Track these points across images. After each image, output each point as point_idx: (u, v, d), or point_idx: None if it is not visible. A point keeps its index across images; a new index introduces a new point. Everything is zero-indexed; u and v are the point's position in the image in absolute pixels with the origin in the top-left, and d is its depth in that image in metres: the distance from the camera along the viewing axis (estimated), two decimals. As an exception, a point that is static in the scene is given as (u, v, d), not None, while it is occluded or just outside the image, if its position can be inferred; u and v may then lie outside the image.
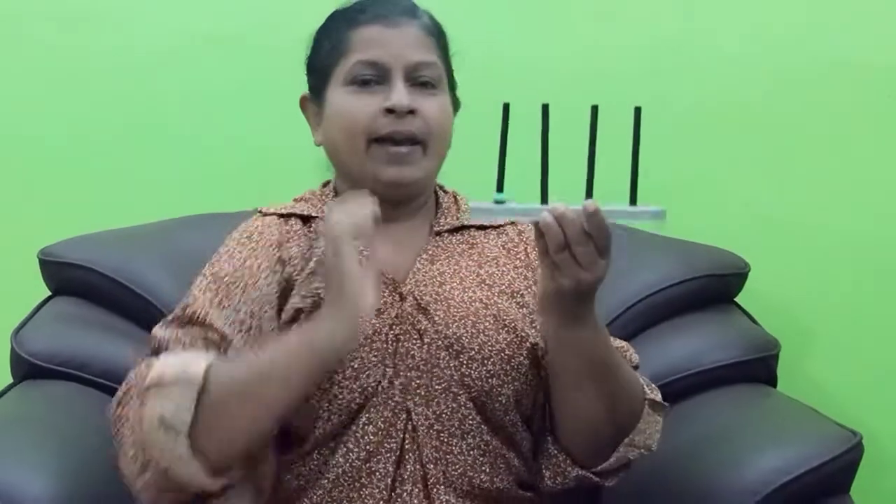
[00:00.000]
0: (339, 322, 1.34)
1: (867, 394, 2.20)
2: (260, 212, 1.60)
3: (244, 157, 2.22)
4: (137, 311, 1.86)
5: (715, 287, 2.03)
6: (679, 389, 1.79)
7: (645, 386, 1.53)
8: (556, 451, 1.53)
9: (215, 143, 2.22)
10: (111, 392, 1.69)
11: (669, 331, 1.95)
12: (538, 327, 1.55)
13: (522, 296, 1.57)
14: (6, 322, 1.83)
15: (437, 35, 1.58)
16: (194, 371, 1.38)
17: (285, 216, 1.57)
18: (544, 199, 1.34)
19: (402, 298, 1.51)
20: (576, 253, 1.33)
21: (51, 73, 2.20)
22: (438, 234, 1.60)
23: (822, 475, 1.57)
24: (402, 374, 1.47)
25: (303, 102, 1.62)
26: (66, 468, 1.53)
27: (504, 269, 1.59)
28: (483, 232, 1.63)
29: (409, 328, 1.50)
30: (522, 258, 1.61)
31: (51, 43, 2.19)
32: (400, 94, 1.50)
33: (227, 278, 1.50)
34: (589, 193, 1.33)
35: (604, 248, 1.33)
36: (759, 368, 1.93)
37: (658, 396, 1.54)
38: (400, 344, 1.48)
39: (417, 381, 1.48)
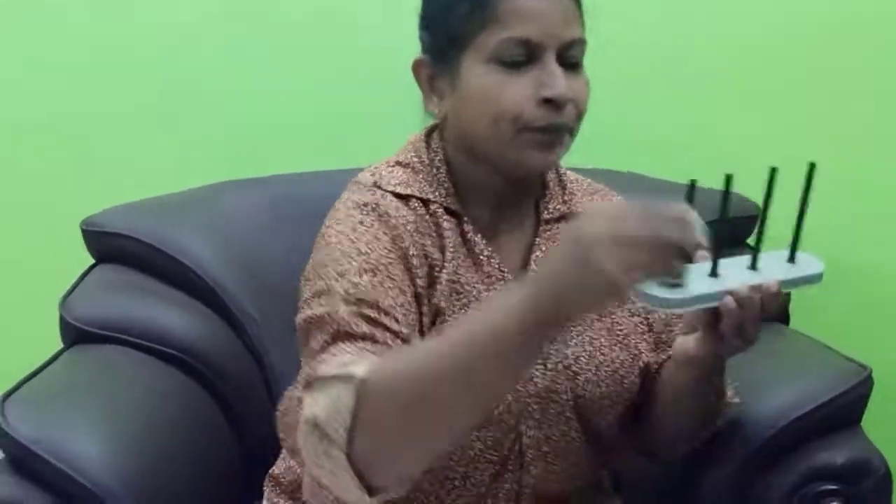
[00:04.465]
0: (579, 278, 1.06)
1: (875, 329, 2.23)
2: (377, 186, 1.38)
3: (277, 123, 2.24)
4: (175, 275, 1.89)
5: (726, 230, 2.04)
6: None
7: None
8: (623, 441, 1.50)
9: (248, 111, 2.24)
10: (153, 353, 1.78)
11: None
12: (647, 339, 1.47)
13: (632, 301, 1.35)
14: (54, 290, 1.86)
15: (580, 2, 1.37)
16: (354, 369, 1.16)
17: (404, 197, 1.38)
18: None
19: None
20: (746, 330, 1.25)
21: (88, 48, 2.24)
22: (547, 221, 1.45)
23: (833, 408, 1.61)
24: (521, 399, 1.36)
25: (417, 67, 1.39)
26: (114, 426, 1.56)
27: None
28: None
29: None
30: None
31: (87, 19, 2.22)
32: (561, 84, 1.30)
33: (383, 259, 1.30)
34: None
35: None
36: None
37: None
38: None
39: (534, 407, 1.37)
